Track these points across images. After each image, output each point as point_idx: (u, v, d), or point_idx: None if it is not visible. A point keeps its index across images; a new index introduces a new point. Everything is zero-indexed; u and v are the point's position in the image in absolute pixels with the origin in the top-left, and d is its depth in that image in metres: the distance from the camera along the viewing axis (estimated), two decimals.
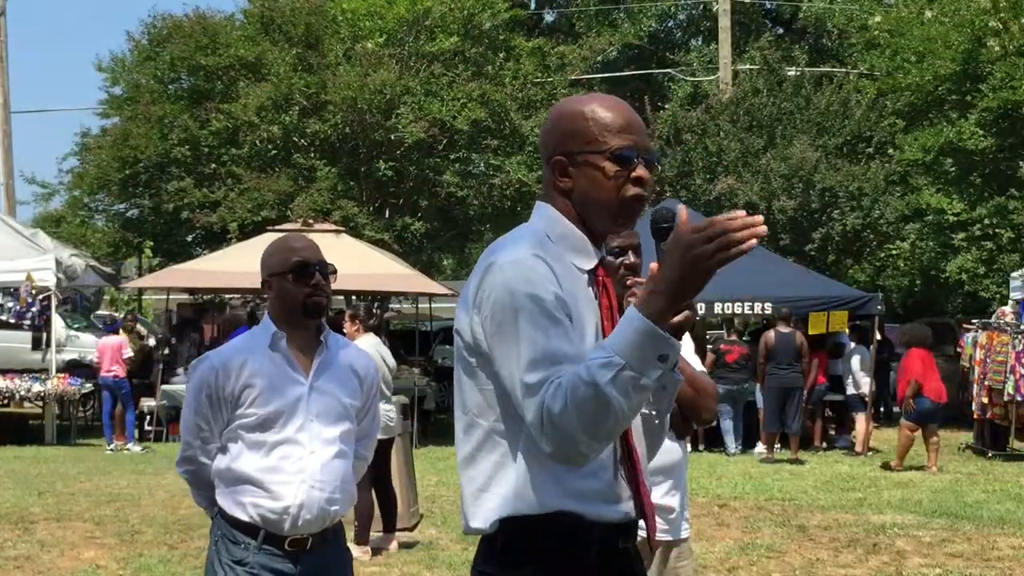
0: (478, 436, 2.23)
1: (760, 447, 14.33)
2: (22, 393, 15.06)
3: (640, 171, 2.24)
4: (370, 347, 7.54)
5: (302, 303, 3.34)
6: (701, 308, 14.71)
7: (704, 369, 4.09)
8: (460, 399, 2.28)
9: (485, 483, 2.21)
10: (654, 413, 2.43)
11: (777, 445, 15.13)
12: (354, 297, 16.93)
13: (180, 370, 15.94)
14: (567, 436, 2.04)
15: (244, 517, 3.27)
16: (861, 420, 14.66)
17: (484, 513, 2.21)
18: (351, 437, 3.45)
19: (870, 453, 14.16)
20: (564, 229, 2.26)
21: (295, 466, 3.28)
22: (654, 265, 2.19)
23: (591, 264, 2.27)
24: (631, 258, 3.43)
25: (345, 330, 7.95)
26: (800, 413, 14.08)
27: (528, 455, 2.17)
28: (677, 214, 2.13)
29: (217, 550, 3.32)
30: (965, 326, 16.10)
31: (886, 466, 12.95)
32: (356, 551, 7.75)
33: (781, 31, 31.96)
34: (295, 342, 3.37)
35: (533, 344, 2.09)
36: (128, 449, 14.42)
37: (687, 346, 3.55)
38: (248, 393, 3.29)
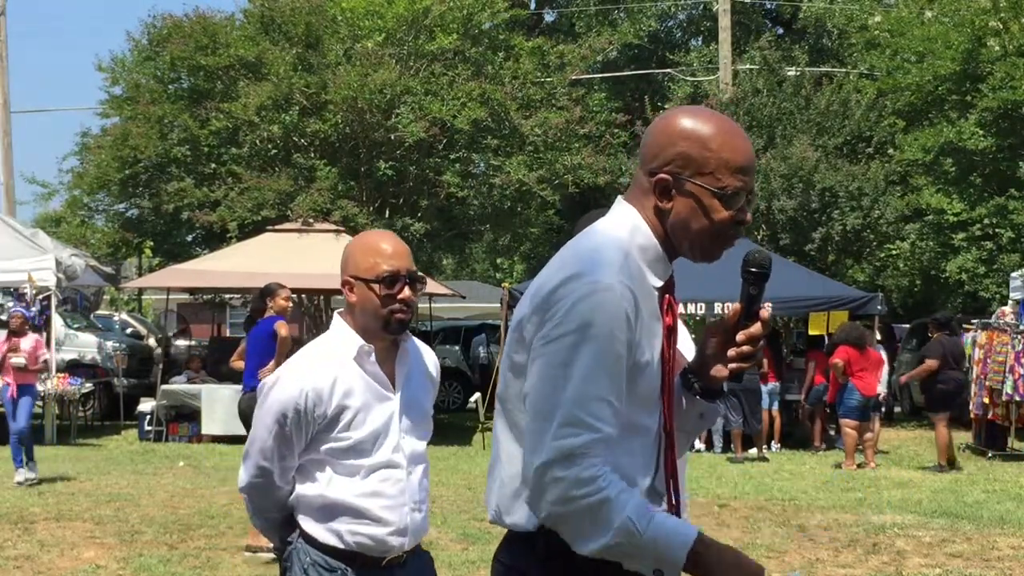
0: (520, 431, 2.14)
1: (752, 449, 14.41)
2: None
3: (744, 215, 2.15)
4: None
5: (384, 318, 3.03)
6: (701, 308, 14.74)
7: None
8: (505, 390, 2.19)
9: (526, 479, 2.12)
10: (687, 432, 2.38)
11: (777, 445, 15.14)
12: None
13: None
14: (556, 506, 2.00)
15: (340, 545, 3.04)
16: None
17: (525, 510, 2.11)
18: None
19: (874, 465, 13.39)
20: (646, 242, 2.15)
21: (396, 488, 3.05)
22: (736, 306, 2.17)
23: (661, 282, 2.16)
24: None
25: None
26: (759, 412, 14.51)
27: None
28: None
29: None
30: (965, 326, 16.11)
31: (838, 466, 13.07)
32: None
33: (781, 31, 31.97)
34: (378, 351, 3.06)
35: (586, 382, 2.00)
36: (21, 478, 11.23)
37: (684, 338, 3.53)
38: (344, 416, 2.99)
